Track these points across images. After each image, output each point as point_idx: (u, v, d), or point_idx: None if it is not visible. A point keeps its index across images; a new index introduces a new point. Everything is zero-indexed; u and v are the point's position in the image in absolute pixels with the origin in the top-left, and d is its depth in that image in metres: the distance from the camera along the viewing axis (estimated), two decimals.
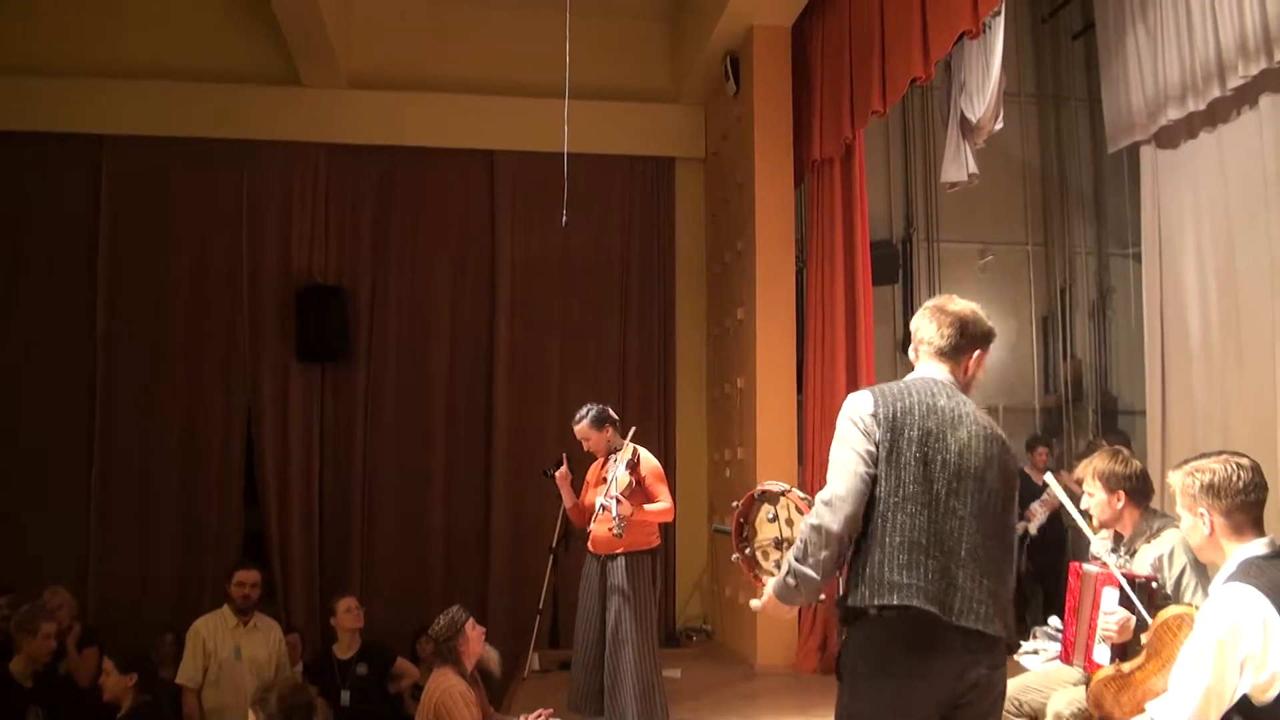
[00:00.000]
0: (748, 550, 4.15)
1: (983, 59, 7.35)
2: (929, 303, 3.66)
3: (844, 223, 8.57)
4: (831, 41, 8.62)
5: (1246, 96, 6.73)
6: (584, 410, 6.69)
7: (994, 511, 3.31)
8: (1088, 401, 10.41)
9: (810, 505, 3.59)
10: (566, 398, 9.68)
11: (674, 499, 6.79)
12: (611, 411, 6.75)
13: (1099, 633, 4.36)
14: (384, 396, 10.22)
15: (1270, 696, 3.17)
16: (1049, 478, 5.91)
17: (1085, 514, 4.88)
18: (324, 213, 10.20)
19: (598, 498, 6.39)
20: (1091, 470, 4.82)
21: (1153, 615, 4.14)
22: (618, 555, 6.42)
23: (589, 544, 6.61)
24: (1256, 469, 3.53)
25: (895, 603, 3.15)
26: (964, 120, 7.78)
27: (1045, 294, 10.66)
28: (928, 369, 3.54)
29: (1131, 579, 4.34)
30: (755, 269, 8.94)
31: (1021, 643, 3.30)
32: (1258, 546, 3.42)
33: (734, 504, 4.24)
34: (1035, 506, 9.31)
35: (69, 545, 9.49)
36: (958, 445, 3.30)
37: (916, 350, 3.62)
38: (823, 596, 3.46)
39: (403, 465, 10.17)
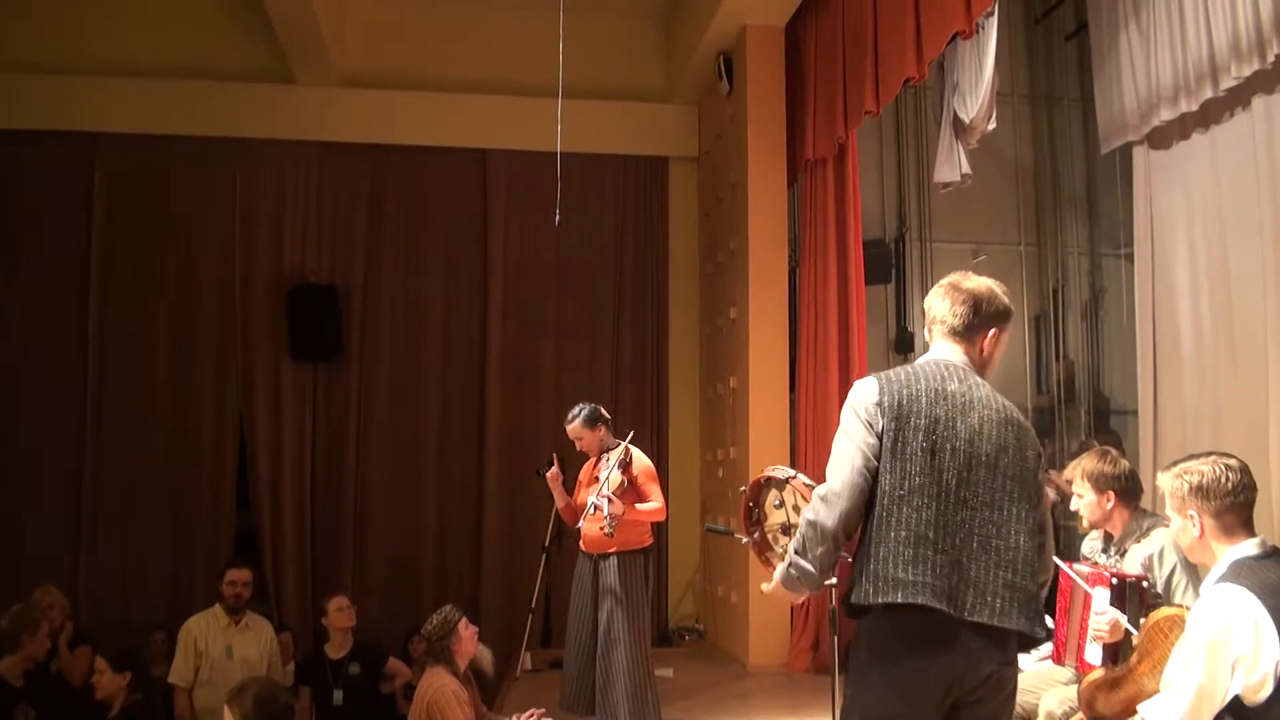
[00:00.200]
0: (757, 534, 4.12)
1: (976, 59, 7.35)
2: (944, 280, 3.51)
3: (837, 222, 8.58)
4: (825, 41, 8.62)
5: (1239, 98, 6.74)
6: (576, 409, 6.69)
7: (1012, 500, 3.18)
8: (1080, 402, 10.41)
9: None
10: (559, 397, 9.69)
11: (666, 498, 6.78)
12: (604, 411, 6.74)
13: (1090, 633, 4.37)
14: (377, 396, 10.22)
15: (1262, 697, 3.17)
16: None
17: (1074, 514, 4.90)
18: (317, 211, 10.19)
19: (590, 497, 6.39)
20: (1080, 471, 4.83)
21: (1144, 614, 4.15)
22: (610, 554, 6.41)
23: (581, 543, 6.60)
24: (1245, 470, 3.53)
25: (899, 601, 3.05)
26: (957, 120, 7.77)
27: (1037, 294, 10.66)
28: (941, 350, 3.40)
29: (1122, 579, 4.35)
30: (748, 268, 8.95)
31: (1041, 634, 3.18)
32: (1248, 547, 3.42)
33: (742, 488, 4.21)
34: None
35: (60, 544, 9.49)
36: (968, 432, 3.18)
37: (930, 330, 3.47)
38: (834, 580, 3.43)
39: (395, 464, 10.17)
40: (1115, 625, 4.24)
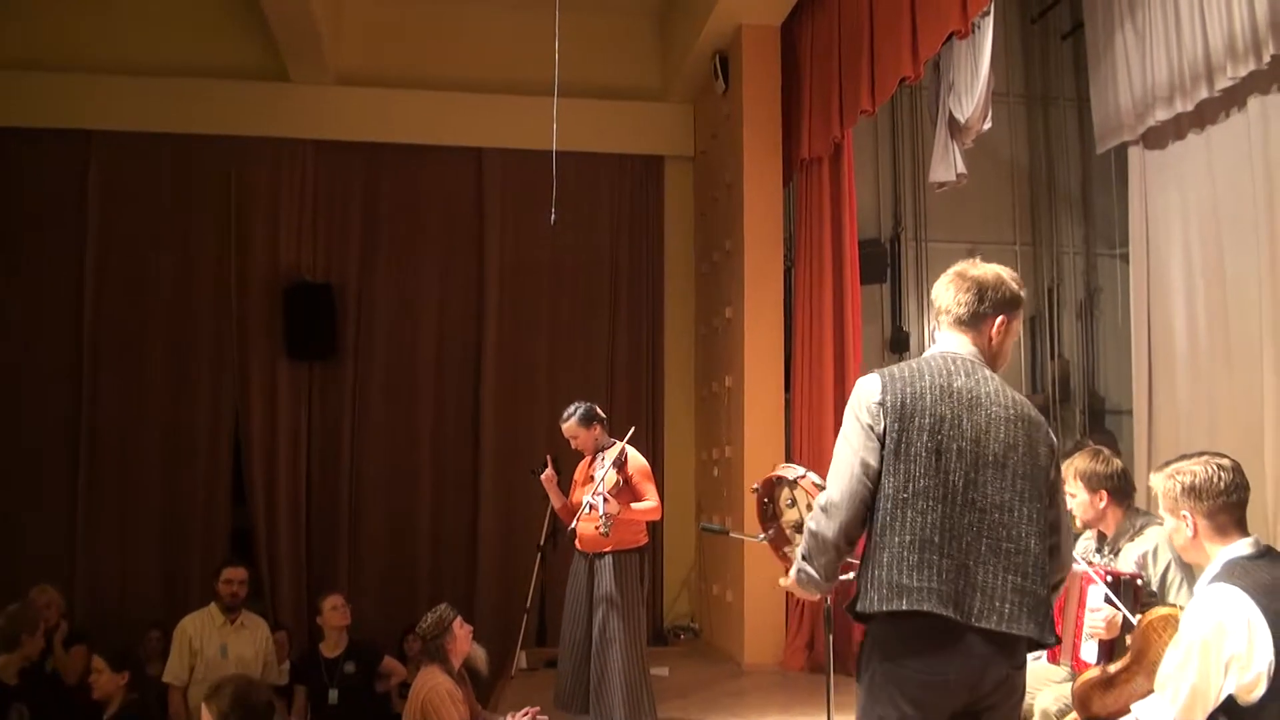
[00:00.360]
0: (772, 530, 4.10)
1: (971, 59, 7.35)
2: (951, 268, 3.38)
3: (832, 222, 8.59)
4: (821, 41, 8.62)
5: (1235, 98, 6.75)
6: (572, 408, 6.69)
7: (1022, 500, 3.07)
8: (1075, 401, 10.42)
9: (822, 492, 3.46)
10: (555, 396, 9.69)
11: (662, 498, 6.79)
12: (599, 410, 6.75)
13: (1086, 630, 4.37)
14: (372, 395, 10.21)
15: (1255, 697, 3.18)
16: None
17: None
18: (312, 210, 10.18)
19: (585, 496, 6.39)
20: (1073, 471, 4.83)
21: (1138, 612, 4.15)
22: (605, 554, 6.42)
23: (577, 542, 6.61)
24: (1237, 469, 3.53)
25: (904, 608, 2.97)
26: (952, 120, 7.78)
27: (1033, 294, 10.66)
28: (947, 342, 3.29)
29: (1116, 576, 4.35)
30: (744, 268, 8.95)
31: (1051, 640, 3.12)
32: (1242, 547, 3.42)
33: (754, 486, 4.19)
34: None
35: (56, 543, 9.47)
36: (975, 430, 3.08)
37: (937, 320, 3.36)
38: (851, 575, 3.31)
39: (390, 463, 10.17)
40: (1111, 622, 4.24)
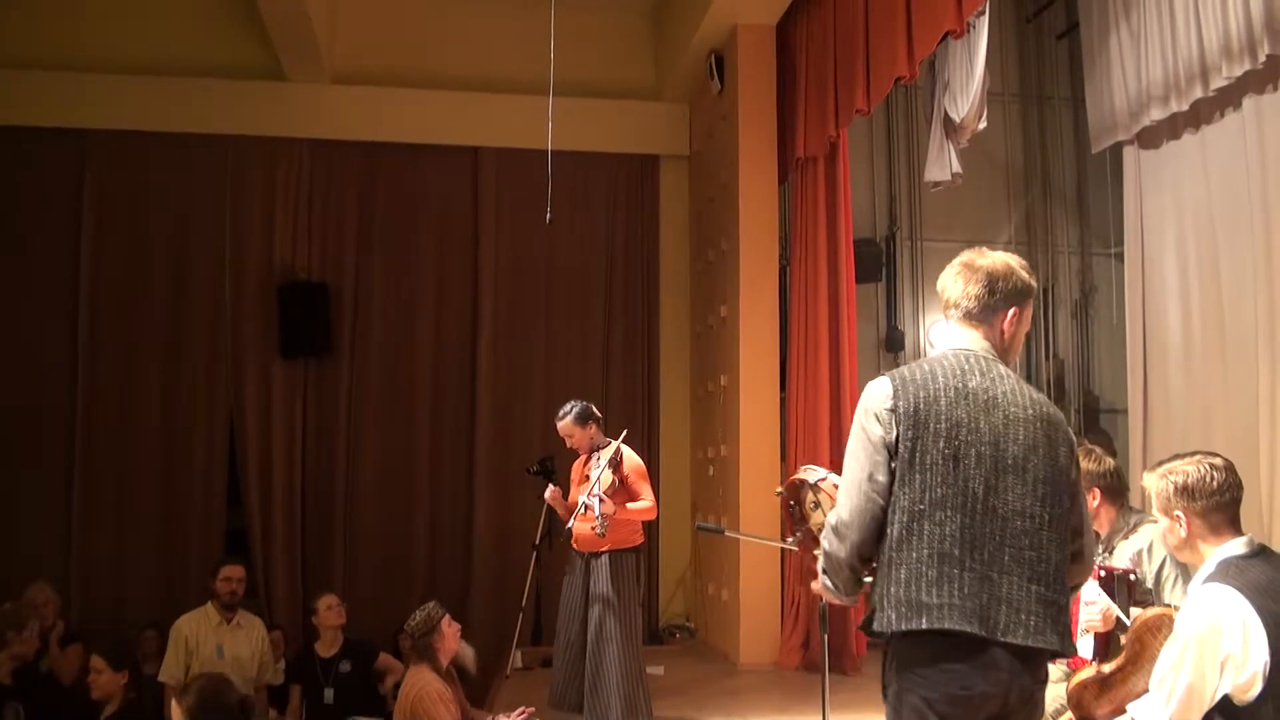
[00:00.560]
0: (800, 533, 4.03)
1: (967, 58, 7.37)
2: (958, 258, 3.22)
3: (828, 221, 8.60)
4: (816, 40, 8.63)
5: (1230, 98, 6.77)
6: (567, 407, 6.69)
7: (1043, 505, 2.91)
8: (1070, 401, 10.44)
9: None
10: (550, 395, 9.69)
11: (657, 497, 6.79)
12: (595, 409, 6.75)
13: (1082, 624, 4.37)
14: (367, 393, 10.20)
15: (1251, 697, 3.18)
16: None
17: None
18: (307, 209, 10.16)
19: (580, 496, 6.40)
20: None
21: (1132, 607, 4.15)
22: (601, 553, 6.42)
23: (573, 542, 6.61)
24: (1230, 468, 3.53)
25: (924, 627, 2.80)
26: (948, 119, 7.80)
27: None
28: (958, 338, 3.13)
29: (1110, 572, 4.36)
30: (739, 267, 8.95)
31: (1071, 651, 3.00)
32: (1236, 546, 3.42)
33: (779, 490, 4.11)
34: None
35: (52, 542, 9.46)
36: (993, 434, 2.92)
37: (946, 314, 3.21)
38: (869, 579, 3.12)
39: (386, 462, 10.16)
40: (1107, 614, 4.24)
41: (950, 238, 10.31)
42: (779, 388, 9.03)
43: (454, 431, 10.31)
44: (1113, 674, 4.07)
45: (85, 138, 9.79)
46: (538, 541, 8.66)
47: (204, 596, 7.34)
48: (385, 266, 10.30)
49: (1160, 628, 3.89)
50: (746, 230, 8.96)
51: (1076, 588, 3.10)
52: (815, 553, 3.86)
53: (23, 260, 9.65)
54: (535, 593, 8.91)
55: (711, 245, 9.77)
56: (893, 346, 10.51)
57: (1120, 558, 4.63)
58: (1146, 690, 3.50)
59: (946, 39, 6.96)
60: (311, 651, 7.54)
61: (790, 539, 4.02)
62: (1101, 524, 4.80)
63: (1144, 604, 4.16)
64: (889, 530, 2.91)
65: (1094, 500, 4.76)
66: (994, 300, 3.09)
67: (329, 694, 7.29)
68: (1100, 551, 4.77)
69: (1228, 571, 3.34)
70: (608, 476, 6.35)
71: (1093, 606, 4.30)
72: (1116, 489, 4.81)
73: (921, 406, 2.93)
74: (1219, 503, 3.45)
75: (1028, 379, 10.46)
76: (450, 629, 6.17)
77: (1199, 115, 7.10)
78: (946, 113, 7.79)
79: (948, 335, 3.18)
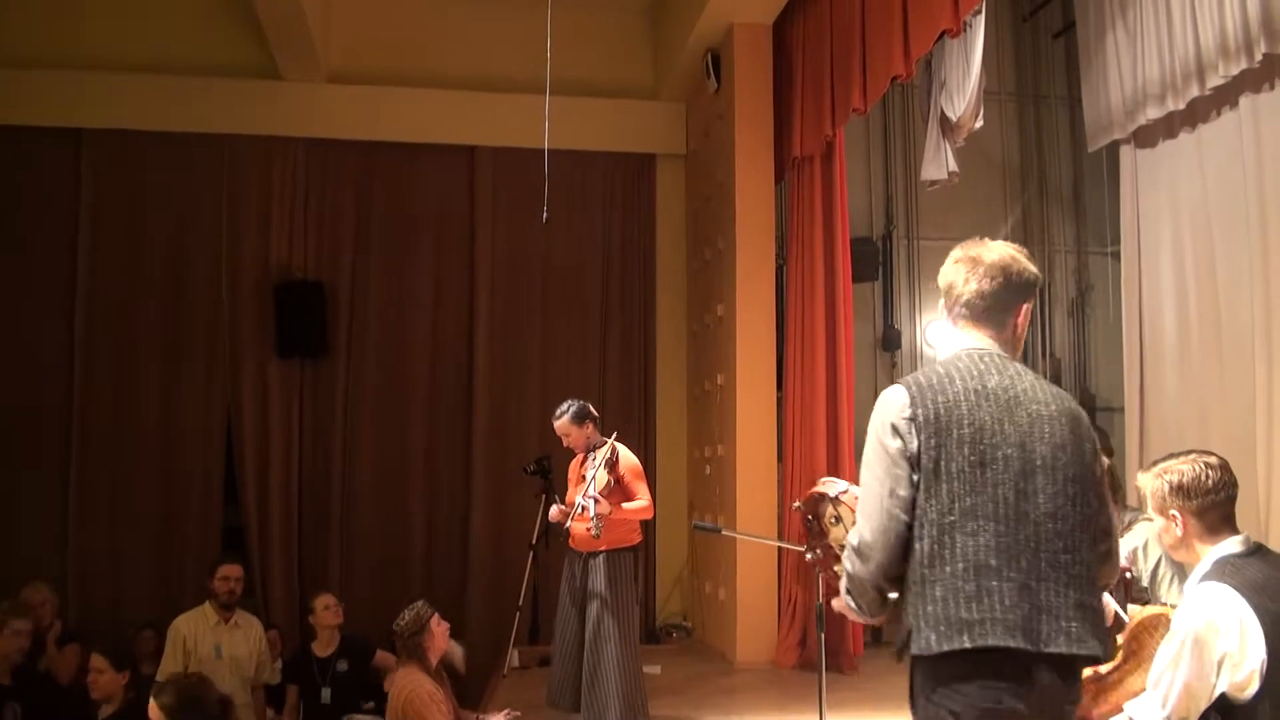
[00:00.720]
0: (819, 550, 3.85)
1: (963, 57, 7.38)
2: (958, 252, 3.05)
3: (824, 220, 8.60)
4: (812, 39, 8.63)
5: (1226, 97, 6.78)
6: (565, 406, 6.68)
7: (1074, 505, 2.76)
8: None
9: None
10: (546, 394, 9.67)
11: (654, 496, 6.79)
12: (592, 408, 6.74)
13: None
14: (364, 393, 10.19)
15: (1248, 695, 3.18)
16: None
17: None
18: (303, 208, 10.15)
19: (577, 496, 6.40)
20: None
21: (1128, 602, 4.16)
22: (599, 553, 6.42)
23: (570, 541, 6.61)
24: (1225, 467, 3.52)
25: (968, 646, 2.63)
26: (944, 118, 7.80)
27: None
28: (967, 338, 2.97)
29: None
30: (736, 266, 8.95)
31: (1109, 655, 2.96)
32: (1232, 544, 3.42)
33: (796, 505, 3.95)
34: None
35: (47, 542, 9.45)
36: (1018, 435, 2.76)
37: (950, 311, 3.02)
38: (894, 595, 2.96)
39: (382, 461, 10.15)
40: (1105, 608, 4.24)
41: (947, 236, 10.23)
42: (775, 387, 9.02)
43: (450, 430, 10.31)
44: (1110, 673, 4.08)
45: (81, 137, 9.77)
46: (535, 541, 8.66)
47: (201, 596, 7.34)
48: (382, 266, 10.29)
49: (1157, 627, 3.89)
50: (743, 229, 8.96)
51: (1105, 589, 2.97)
52: (835, 569, 3.75)
53: (19, 259, 9.63)
54: (532, 592, 8.90)
55: (708, 244, 9.77)
56: (889, 345, 10.52)
57: None
58: (1143, 689, 3.50)
59: (943, 38, 6.96)
60: (309, 651, 7.54)
61: (809, 554, 3.86)
62: None
63: (1140, 601, 4.16)
64: (918, 546, 2.74)
65: None
66: (1008, 295, 2.95)
67: (326, 693, 7.29)
68: None
69: (1224, 570, 3.34)
70: (603, 476, 6.35)
71: None
72: (1112, 487, 4.81)
73: (942, 413, 2.77)
74: (1214, 501, 3.45)
75: None
76: (439, 628, 6.17)
77: (1195, 114, 7.12)
78: (943, 111, 7.79)
79: (954, 337, 3.03)
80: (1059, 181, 10.77)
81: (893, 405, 2.83)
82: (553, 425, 6.71)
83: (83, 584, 9.45)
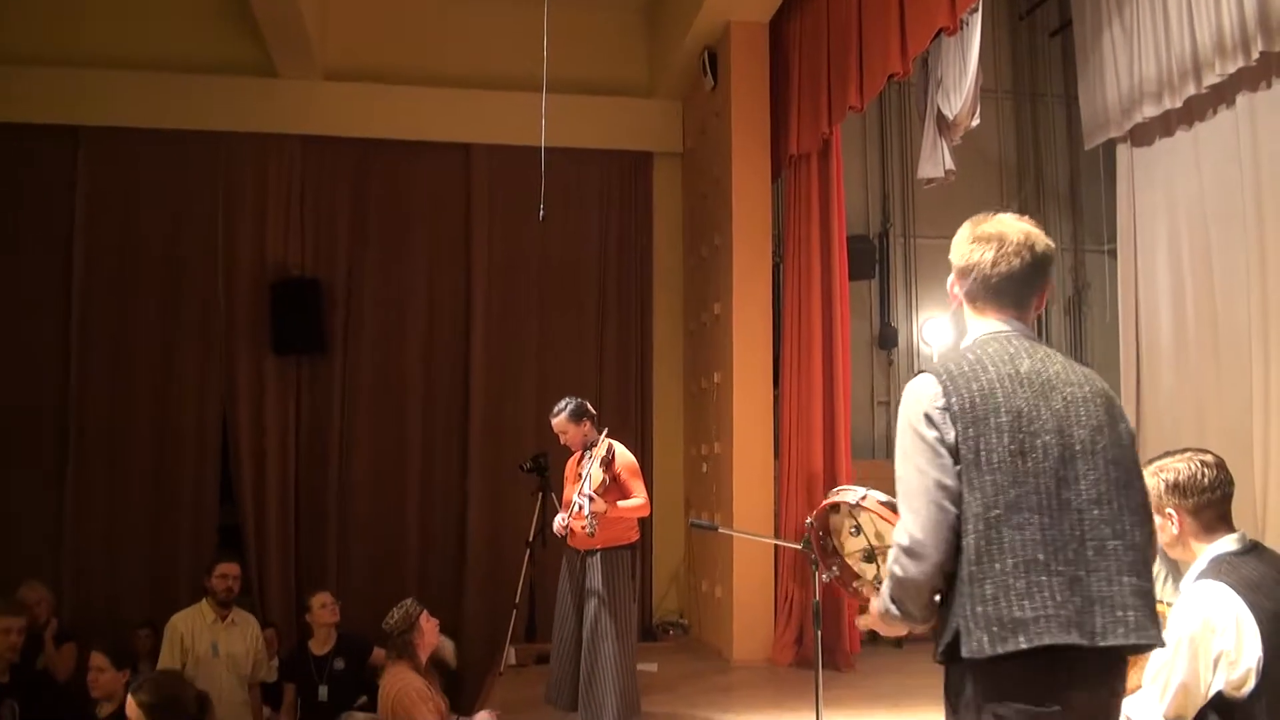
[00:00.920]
0: (835, 568, 3.67)
1: (960, 55, 7.37)
2: (971, 229, 2.93)
3: (821, 218, 8.60)
4: (809, 37, 8.63)
5: (1223, 95, 6.78)
6: (562, 403, 6.68)
7: (1117, 488, 2.63)
8: None
9: (893, 509, 3.07)
10: (543, 392, 9.68)
11: (650, 494, 6.79)
12: (589, 405, 6.74)
13: None
14: (360, 390, 10.19)
15: (1244, 693, 3.18)
16: None
17: None
18: (299, 205, 10.15)
19: (573, 494, 6.40)
20: None
21: None
22: (596, 551, 6.41)
23: (568, 539, 6.60)
24: (1221, 465, 3.52)
25: (1024, 646, 2.49)
26: (941, 116, 7.80)
27: None
28: (990, 321, 2.82)
29: None
30: (732, 264, 8.96)
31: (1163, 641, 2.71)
32: (1228, 542, 3.42)
33: (809, 520, 3.75)
34: None
35: (43, 540, 9.44)
36: (1056, 420, 2.63)
37: (970, 293, 2.86)
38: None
39: (379, 459, 10.15)
40: None
41: (943, 234, 10.20)
42: (772, 384, 9.03)
43: (447, 428, 10.31)
44: None
45: (78, 134, 9.77)
46: (531, 538, 8.66)
47: (197, 593, 7.34)
48: (378, 263, 10.28)
49: None
50: (739, 227, 8.97)
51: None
52: (854, 585, 3.56)
53: (15, 256, 9.63)
54: (529, 589, 8.91)
55: (704, 242, 9.78)
56: (886, 343, 10.53)
57: None
58: (1140, 687, 3.50)
59: (940, 35, 6.96)
60: (305, 649, 7.53)
61: (825, 576, 3.69)
62: None
63: None
64: (964, 542, 2.58)
65: None
66: (1033, 275, 2.82)
67: (323, 691, 7.29)
68: None
69: (1220, 568, 3.34)
70: (598, 474, 6.35)
71: None
72: None
73: (978, 400, 2.62)
74: (1210, 500, 3.44)
75: None
76: (429, 625, 6.17)
77: (1192, 112, 7.12)
78: (940, 109, 7.79)
79: (974, 321, 2.87)
80: (1056, 179, 10.78)
81: (924, 395, 2.69)
82: (550, 423, 6.71)
83: (78, 582, 9.45)
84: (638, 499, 6.46)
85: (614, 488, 6.41)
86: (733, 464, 8.79)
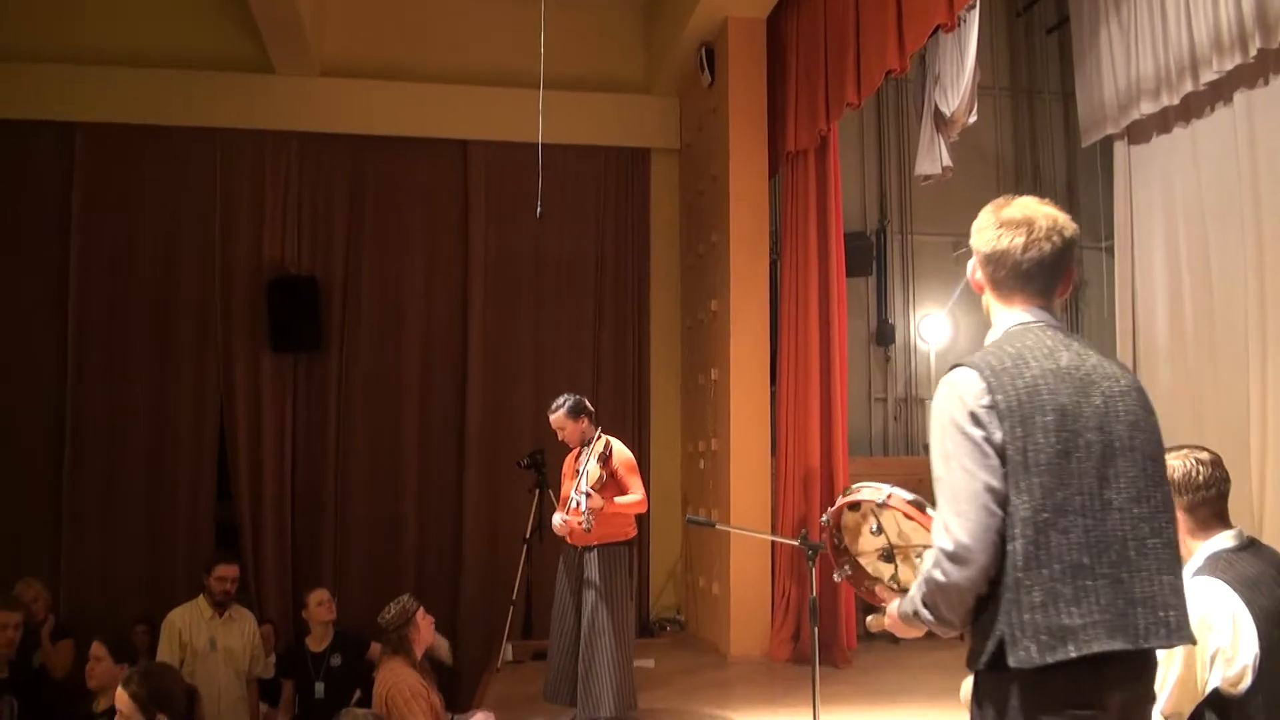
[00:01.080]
0: (847, 568, 3.60)
1: (957, 52, 7.38)
2: (993, 215, 2.84)
3: (818, 214, 8.60)
4: (806, 33, 8.63)
5: (1220, 92, 6.79)
6: (561, 400, 6.68)
7: (1155, 484, 2.57)
8: None
9: (920, 509, 3.08)
10: (540, 388, 9.70)
11: (648, 490, 6.79)
12: (587, 402, 6.74)
13: None
14: (357, 387, 10.18)
15: (1241, 690, 3.18)
16: None
17: None
18: (296, 202, 10.13)
19: (571, 491, 6.40)
20: None
21: None
22: (594, 547, 6.42)
23: (567, 536, 6.61)
24: (1217, 462, 3.51)
25: (1074, 655, 2.40)
26: (938, 113, 7.81)
27: None
28: (1020, 312, 2.71)
29: None
30: (729, 260, 8.96)
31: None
32: (1225, 539, 3.41)
33: (824, 518, 3.64)
34: None
35: (41, 538, 9.43)
36: (1097, 417, 2.54)
37: (997, 280, 2.76)
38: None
39: (375, 456, 10.15)
40: None
41: (940, 231, 10.34)
42: (769, 381, 9.03)
43: (444, 425, 10.30)
44: None
45: (74, 130, 9.75)
46: (528, 535, 8.66)
47: (194, 591, 7.32)
48: (375, 260, 10.27)
49: None
50: (737, 224, 8.97)
51: None
52: (867, 584, 3.47)
53: (11, 254, 9.60)
54: (526, 586, 8.91)
55: (702, 239, 9.77)
56: (883, 340, 10.53)
57: None
58: None
59: (937, 32, 6.96)
60: (302, 646, 7.53)
61: (837, 575, 3.62)
62: None
63: None
64: (1011, 546, 2.48)
65: None
66: (1063, 260, 2.72)
67: (320, 688, 7.28)
68: None
69: (1216, 565, 3.34)
70: (595, 470, 6.35)
71: None
72: None
73: (1025, 399, 2.51)
74: (1206, 497, 3.44)
75: None
76: (425, 621, 6.16)
77: (1189, 109, 7.12)
78: (937, 106, 7.80)
79: (1002, 312, 2.77)
80: (1053, 176, 10.78)
81: (968, 391, 2.56)
82: (548, 419, 6.71)
83: (75, 578, 9.44)
84: (635, 495, 6.47)
85: (611, 484, 6.42)
86: (730, 460, 8.79)
